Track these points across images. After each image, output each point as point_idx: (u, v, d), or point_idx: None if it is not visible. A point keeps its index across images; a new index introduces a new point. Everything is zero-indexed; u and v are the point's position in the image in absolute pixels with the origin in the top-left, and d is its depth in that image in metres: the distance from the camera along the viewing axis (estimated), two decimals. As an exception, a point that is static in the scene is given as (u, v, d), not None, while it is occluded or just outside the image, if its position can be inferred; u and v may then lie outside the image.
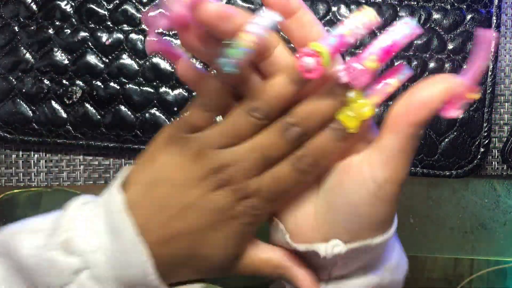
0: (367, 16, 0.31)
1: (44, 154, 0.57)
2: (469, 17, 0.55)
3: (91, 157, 0.57)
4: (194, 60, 0.33)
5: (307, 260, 0.37)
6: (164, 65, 0.54)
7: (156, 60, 0.54)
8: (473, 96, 0.31)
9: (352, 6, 0.54)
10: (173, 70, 0.54)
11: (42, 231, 0.35)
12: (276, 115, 0.34)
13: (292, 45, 0.34)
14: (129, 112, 0.54)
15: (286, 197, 0.35)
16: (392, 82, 0.33)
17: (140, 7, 0.54)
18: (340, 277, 0.37)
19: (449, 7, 0.55)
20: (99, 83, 0.54)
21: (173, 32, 0.54)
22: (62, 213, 0.36)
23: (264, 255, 0.37)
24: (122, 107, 0.54)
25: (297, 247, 0.36)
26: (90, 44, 0.54)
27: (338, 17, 0.54)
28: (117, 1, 0.54)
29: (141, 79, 0.54)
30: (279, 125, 0.33)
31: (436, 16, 0.55)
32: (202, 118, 0.34)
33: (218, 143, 0.34)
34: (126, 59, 0.54)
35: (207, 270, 0.36)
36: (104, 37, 0.54)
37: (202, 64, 0.50)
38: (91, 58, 0.54)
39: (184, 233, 0.34)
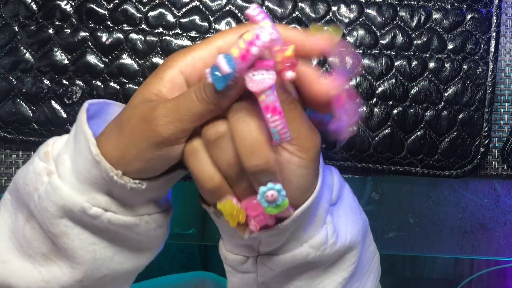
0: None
1: (44, 154, 0.57)
2: (469, 17, 0.55)
3: (91, 157, 0.57)
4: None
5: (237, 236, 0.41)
6: (164, 65, 0.54)
7: (156, 60, 0.54)
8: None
9: (352, 6, 0.54)
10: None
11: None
12: None
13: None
14: (129, 112, 0.54)
15: None
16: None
17: (140, 7, 0.54)
18: (268, 252, 0.41)
19: (449, 7, 0.55)
20: (99, 83, 0.54)
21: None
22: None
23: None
24: (122, 107, 0.54)
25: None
26: (90, 44, 0.54)
27: (338, 17, 0.54)
28: (117, 1, 0.54)
29: (141, 79, 0.54)
30: None
31: (436, 16, 0.55)
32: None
33: None
34: (126, 59, 0.54)
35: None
36: (104, 37, 0.54)
37: None
38: (91, 58, 0.54)
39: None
